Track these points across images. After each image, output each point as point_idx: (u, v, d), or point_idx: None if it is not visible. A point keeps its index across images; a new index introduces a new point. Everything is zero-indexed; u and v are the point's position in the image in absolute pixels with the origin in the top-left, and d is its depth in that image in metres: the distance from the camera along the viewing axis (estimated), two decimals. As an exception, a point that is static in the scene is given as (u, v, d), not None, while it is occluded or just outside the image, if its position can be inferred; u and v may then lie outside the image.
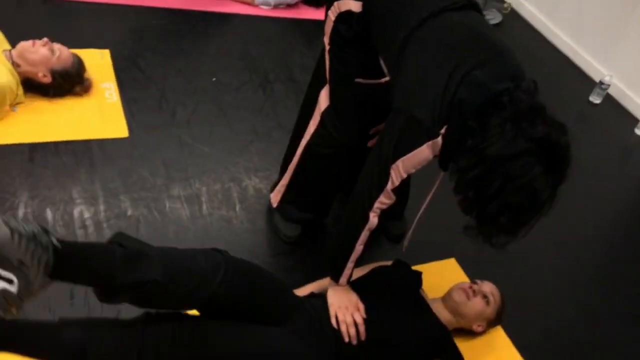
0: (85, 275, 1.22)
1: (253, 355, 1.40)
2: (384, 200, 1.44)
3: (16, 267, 1.07)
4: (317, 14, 3.33)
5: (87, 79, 2.41)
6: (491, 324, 1.81)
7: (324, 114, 1.75)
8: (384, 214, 1.47)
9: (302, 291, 1.72)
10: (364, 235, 1.50)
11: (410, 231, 1.64)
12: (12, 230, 1.07)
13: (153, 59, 2.71)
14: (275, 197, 2.05)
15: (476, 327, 1.78)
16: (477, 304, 1.72)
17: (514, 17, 3.96)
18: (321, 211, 2.09)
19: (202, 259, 1.36)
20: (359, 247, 1.52)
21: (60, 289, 1.73)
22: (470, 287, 1.73)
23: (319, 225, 2.13)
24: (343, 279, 1.59)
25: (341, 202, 2.11)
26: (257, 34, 3.12)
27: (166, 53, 2.78)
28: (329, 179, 1.95)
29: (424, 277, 1.84)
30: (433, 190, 1.50)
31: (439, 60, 1.31)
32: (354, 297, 1.61)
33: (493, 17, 3.77)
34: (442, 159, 1.35)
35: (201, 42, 2.94)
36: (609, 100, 3.38)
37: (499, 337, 1.92)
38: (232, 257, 1.44)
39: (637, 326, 2.12)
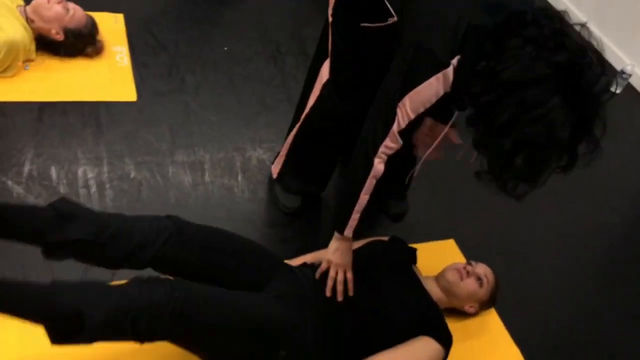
0: (15, 233, 1.31)
1: (246, 319, 1.40)
2: (389, 144, 1.36)
3: None
4: (335, -12, 3.28)
5: (100, 41, 2.42)
6: (484, 305, 1.80)
7: (324, 88, 1.74)
8: (390, 163, 1.40)
9: (296, 261, 1.73)
10: (369, 184, 1.43)
11: (416, 169, 1.60)
12: None
13: (166, 26, 2.71)
14: (275, 168, 2.05)
15: (468, 308, 1.78)
16: (469, 285, 1.71)
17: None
18: (320, 184, 2.08)
19: (146, 224, 1.40)
20: (363, 197, 1.45)
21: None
22: (465, 268, 1.73)
23: (319, 198, 2.14)
24: (348, 230, 1.53)
25: (342, 175, 2.11)
26: (271, 5, 3.09)
27: (180, 20, 2.77)
28: (326, 153, 1.94)
29: (421, 255, 1.84)
30: (440, 138, 1.44)
31: None
32: (350, 256, 1.59)
33: None
34: (455, 95, 1.25)
35: (215, 11, 2.93)
36: (630, 90, 3.30)
37: (492, 320, 1.91)
38: (187, 223, 1.46)
39: (637, 326, 2.09)
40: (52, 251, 1.33)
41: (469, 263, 1.78)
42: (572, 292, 2.15)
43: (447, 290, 1.72)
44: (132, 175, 2.04)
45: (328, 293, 1.53)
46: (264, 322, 1.42)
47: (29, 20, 2.24)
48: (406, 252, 1.81)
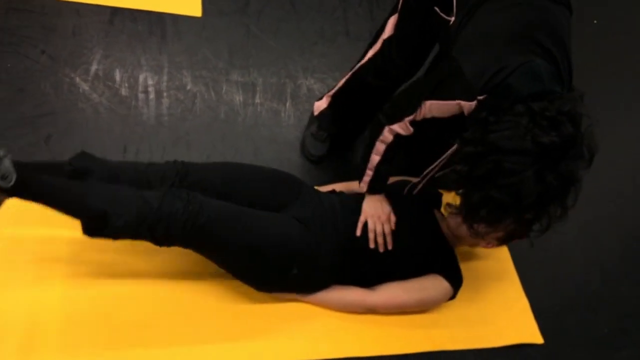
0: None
1: (260, 237, 1.53)
2: (403, 126, 1.49)
3: None
4: None
5: (173, -46, 2.49)
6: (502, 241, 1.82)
7: (385, 42, 1.74)
8: (399, 138, 1.53)
9: (325, 188, 1.83)
10: (379, 146, 1.57)
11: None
12: None
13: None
14: (318, 104, 2.08)
15: (484, 245, 1.75)
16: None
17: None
18: (346, 140, 2.12)
19: (152, 175, 1.53)
20: (374, 157, 1.59)
21: (113, 142, 1.93)
22: None
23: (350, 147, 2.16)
24: (362, 185, 1.66)
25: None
26: None
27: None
28: (364, 111, 1.95)
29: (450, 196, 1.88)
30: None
31: (513, 31, 1.30)
32: (387, 208, 1.69)
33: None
34: (466, 124, 1.33)
35: None
36: None
37: (507, 269, 1.98)
38: (190, 170, 1.56)
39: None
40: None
41: None
42: (594, 256, 2.19)
43: (453, 234, 1.75)
44: (189, 87, 2.16)
45: (371, 244, 1.63)
46: (277, 240, 1.54)
47: None
48: (430, 195, 1.85)
